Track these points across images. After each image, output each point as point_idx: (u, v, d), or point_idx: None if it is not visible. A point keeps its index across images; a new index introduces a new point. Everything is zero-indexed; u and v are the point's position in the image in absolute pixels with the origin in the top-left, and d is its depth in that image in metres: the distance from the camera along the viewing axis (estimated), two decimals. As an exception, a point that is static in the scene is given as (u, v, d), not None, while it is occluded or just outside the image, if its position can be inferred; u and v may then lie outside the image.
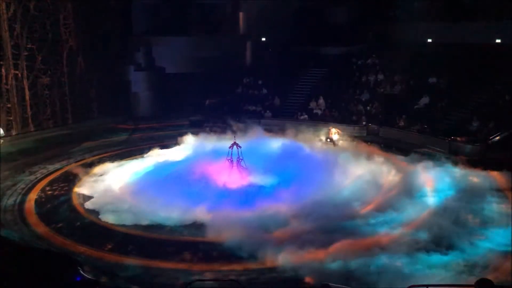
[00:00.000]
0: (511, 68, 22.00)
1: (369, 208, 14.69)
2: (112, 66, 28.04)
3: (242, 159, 17.24)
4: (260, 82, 29.57)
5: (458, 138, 20.61)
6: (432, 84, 24.99)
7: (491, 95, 22.48)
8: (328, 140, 21.84)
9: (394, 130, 23.35)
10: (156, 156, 19.93)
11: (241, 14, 32.50)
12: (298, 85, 28.98)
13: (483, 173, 17.08)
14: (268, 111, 26.89)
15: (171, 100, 28.34)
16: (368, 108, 25.46)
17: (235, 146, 17.15)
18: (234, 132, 19.77)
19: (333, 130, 22.24)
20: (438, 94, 24.08)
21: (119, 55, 28.54)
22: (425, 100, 24.02)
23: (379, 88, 26.57)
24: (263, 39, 32.69)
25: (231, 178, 16.98)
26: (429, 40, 27.39)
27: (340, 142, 21.73)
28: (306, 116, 25.87)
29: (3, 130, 22.31)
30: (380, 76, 27.09)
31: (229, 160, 17.16)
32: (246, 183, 16.77)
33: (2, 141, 21.73)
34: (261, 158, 17.80)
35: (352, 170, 17.16)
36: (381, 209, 14.41)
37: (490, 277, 9.05)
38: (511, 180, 16.14)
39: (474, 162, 18.24)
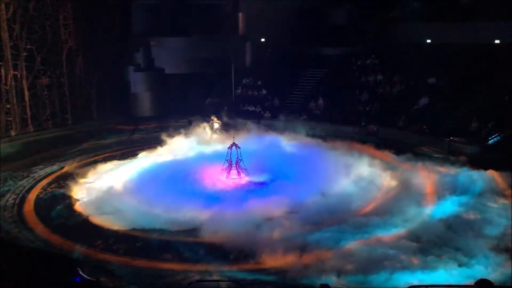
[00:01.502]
0: (510, 68, 22.02)
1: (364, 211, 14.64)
2: (112, 66, 28.03)
3: (241, 160, 17.28)
4: (259, 82, 29.60)
5: (457, 139, 20.63)
6: (432, 85, 25.01)
7: (490, 96, 22.48)
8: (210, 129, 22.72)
9: (394, 130, 23.36)
10: (153, 156, 19.94)
11: (240, 15, 32.50)
12: (298, 86, 29.01)
13: (482, 173, 17.08)
14: (267, 112, 26.91)
15: (171, 101, 28.35)
16: (368, 108, 25.48)
17: (234, 147, 17.21)
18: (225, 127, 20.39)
19: (215, 119, 23.15)
20: (437, 95, 24.09)
21: (119, 55, 28.53)
22: (424, 100, 24.04)
23: (379, 88, 26.59)
24: (263, 39, 32.69)
25: (230, 179, 17.06)
26: (428, 41, 27.40)
27: (217, 132, 22.71)
28: (305, 116, 25.87)
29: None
30: (380, 77, 27.11)
31: (228, 161, 17.21)
32: (244, 183, 16.86)
33: None
34: (252, 156, 17.87)
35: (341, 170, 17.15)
36: (373, 212, 14.35)
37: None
38: (510, 181, 16.15)
39: (473, 162, 18.25)
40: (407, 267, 11.08)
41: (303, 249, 12.01)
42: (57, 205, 15.43)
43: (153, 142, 21.78)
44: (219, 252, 12.15)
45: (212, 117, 23.38)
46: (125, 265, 11.82)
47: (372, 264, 11.19)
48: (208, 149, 20.33)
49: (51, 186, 17.20)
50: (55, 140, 23.51)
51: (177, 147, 20.62)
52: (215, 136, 22.45)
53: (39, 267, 7.88)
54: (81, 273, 8.50)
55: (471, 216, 13.95)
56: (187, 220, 13.73)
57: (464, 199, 14.99)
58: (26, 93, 23.78)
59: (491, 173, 16.96)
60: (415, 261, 11.42)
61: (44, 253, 11.37)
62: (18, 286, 7.13)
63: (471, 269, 11.00)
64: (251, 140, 19.56)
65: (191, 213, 13.99)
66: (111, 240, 13.00)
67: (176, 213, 13.98)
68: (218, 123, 23.10)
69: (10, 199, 16.02)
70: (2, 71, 22.72)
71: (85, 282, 8.07)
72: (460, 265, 11.24)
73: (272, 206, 14.22)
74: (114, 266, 11.73)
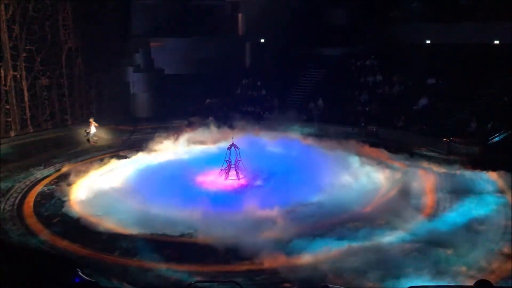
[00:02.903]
0: (510, 68, 22.05)
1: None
2: (111, 67, 27.99)
3: (240, 160, 17.29)
4: (258, 83, 29.61)
5: (457, 139, 20.64)
6: (431, 85, 25.02)
7: (489, 96, 22.51)
8: (86, 133, 22.97)
9: (393, 130, 23.36)
10: (152, 157, 19.95)
11: (240, 16, 32.55)
12: (297, 86, 29.02)
13: (481, 173, 17.09)
14: (266, 112, 26.91)
15: (170, 101, 28.34)
16: (367, 108, 25.49)
17: (233, 148, 17.23)
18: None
19: (93, 122, 23.18)
20: (436, 95, 24.11)
21: (118, 56, 28.50)
22: (423, 101, 24.06)
23: (378, 89, 26.61)
24: (262, 40, 32.73)
25: (228, 179, 17.07)
26: (428, 41, 27.43)
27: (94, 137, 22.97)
28: (304, 117, 25.88)
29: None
30: (379, 77, 27.13)
31: (227, 161, 17.22)
32: (242, 184, 16.86)
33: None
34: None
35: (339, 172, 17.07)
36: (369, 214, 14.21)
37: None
38: (510, 181, 16.15)
39: (473, 162, 18.25)
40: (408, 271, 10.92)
41: (295, 251, 11.96)
42: (56, 206, 15.41)
43: (151, 143, 21.74)
44: (211, 252, 12.13)
45: (90, 120, 23.39)
46: (121, 265, 11.82)
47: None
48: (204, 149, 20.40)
49: (50, 187, 17.18)
50: (54, 140, 23.48)
51: (173, 148, 20.68)
52: (92, 138, 22.84)
53: (37, 268, 7.86)
54: (80, 274, 8.48)
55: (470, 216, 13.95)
56: (181, 220, 13.65)
57: (462, 199, 15.01)
58: (26, 93, 23.74)
59: (490, 173, 16.98)
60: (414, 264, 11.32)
61: (43, 254, 11.35)
62: (16, 287, 7.11)
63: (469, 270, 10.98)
64: (246, 141, 19.56)
65: (186, 213, 13.92)
66: (108, 239, 13.00)
67: (171, 213, 13.93)
68: (95, 126, 23.17)
69: (9, 199, 16.03)
70: (2, 72, 22.67)
71: (84, 283, 8.05)
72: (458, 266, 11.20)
73: (267, 207, 14.16)
74: (111, 266, 11.74)
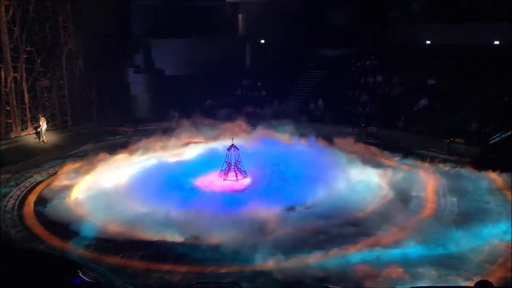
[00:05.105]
0: (510, 69, 22.05)
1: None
2: (112, 68, 27.99)
3: (240, 161, 17.30)
4: (259, 84, 29.63)
5: (457, 140, 20.64)
6: (431, 86, 25.03)
7: (490, 97, 22.50)
8: (38, 131, 22.88)
9: (393, 131, 23.36)
10: (153, 157, 19.95)
11: (240, 16, 32.57)
12: (297, 87, 29.03)
13: (481, 174, 17.11)
14: (266, 112, 26.87)
15: (171, 102, 28.30)
16: (367, 109, 25.50)
17: (233, 148, 17.24)
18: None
19: (42, 119, 22.98)
20: (437, 96, 24.11)
21: (119, 57, 28.50)
22: (424, 101, 24.06)
23: (378, 89, 26.62)
24: (262, 41, 32.74)
25: (227, 180, 17.07)
26: (428, 42, 27.44)
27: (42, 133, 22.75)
28: (305, 117, 25.87)
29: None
30: (379, 78, 27.14)
31: (227, 162, 17.24)
32: (241, 185, 16.86)
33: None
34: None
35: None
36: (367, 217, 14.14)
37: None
38: (510, 181, 16.15)
39: (473, 163, 18.27)
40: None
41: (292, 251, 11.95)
42: (57, 206, 15.34)
43: (151, 143, 21.73)
44: (208, 252, 12.16)
45: (40, 116, 23.26)
46: (117, 264, 11.86)
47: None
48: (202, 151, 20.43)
49: (51, 188, 17.14)
50: (54, 142, 23.51)
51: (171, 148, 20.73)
52: (43, 137, 22.74)
53: (38, 269, 7.88)
54: (81, 275, 8.48)
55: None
56: (177, 220, 13.63)
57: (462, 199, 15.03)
58: (26, 95, 23.76)
59: (490, 174, 16.98)
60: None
61: (44, 255, 11.37)
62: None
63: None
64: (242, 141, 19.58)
65: (182, 213, 13.90)
66: (106, 240, 13.01)
67: (168, 214, 13.94)
68: (44, 124, 23.05)
69: (10, 201, 16.05)
70: (2, 73, 22.69)
71: (85, 284, 8.06)
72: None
73: (263, 208, 14.12)
74: (109, 266, 11.76)
